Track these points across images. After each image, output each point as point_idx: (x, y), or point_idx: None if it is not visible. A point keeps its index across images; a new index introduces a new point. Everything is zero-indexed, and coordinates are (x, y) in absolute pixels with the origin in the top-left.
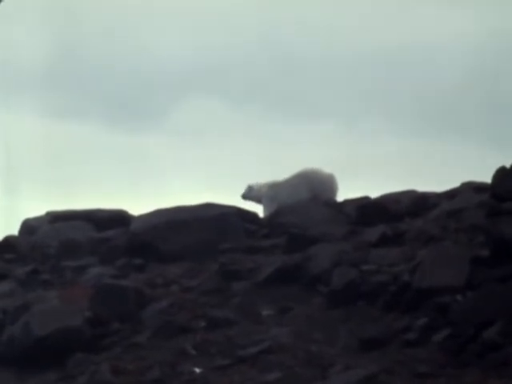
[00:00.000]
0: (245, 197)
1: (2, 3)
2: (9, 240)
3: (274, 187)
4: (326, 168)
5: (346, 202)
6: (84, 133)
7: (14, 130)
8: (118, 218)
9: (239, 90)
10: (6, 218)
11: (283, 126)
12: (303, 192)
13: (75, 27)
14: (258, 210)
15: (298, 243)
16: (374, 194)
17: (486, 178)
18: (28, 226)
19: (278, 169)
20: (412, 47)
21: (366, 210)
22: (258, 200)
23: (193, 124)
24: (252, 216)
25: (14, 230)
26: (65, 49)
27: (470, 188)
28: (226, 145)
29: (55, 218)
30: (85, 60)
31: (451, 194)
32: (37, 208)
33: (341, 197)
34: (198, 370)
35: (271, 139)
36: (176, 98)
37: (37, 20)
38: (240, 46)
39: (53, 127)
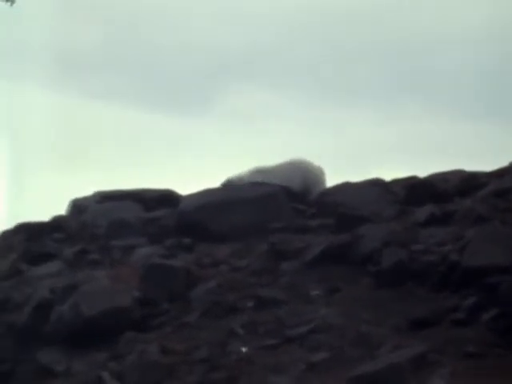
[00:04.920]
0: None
1: None
2: (58, 220)
3: (262, 172)
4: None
5: (395, 182)
6: (130, 116)
7: (59, 112)
8: (167, 198)
9: (283, 76)
10: (54, 198)
11: (327, 110)
12: (296, 180)
13: (125, 11)
14: None
15: (347, 223)
16: (422, 173)
17: None
18: (76, 206)
19: (324, 151)
20: (455, 31)
21: (415, 190)
22: None
23: (238, 108)
24: (300, 196)
25: (62, 210)
26: (117, 33)
27: None
28: (270, 128)
29: (103, 197)
30: (133, 45)
31: (500, 174)
32: (85, 188)
33: (389, 177)
34: (246, 350)
35: (315, 123)
36: (221, 83)
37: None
38: (284, 33)
39: (103, 110)
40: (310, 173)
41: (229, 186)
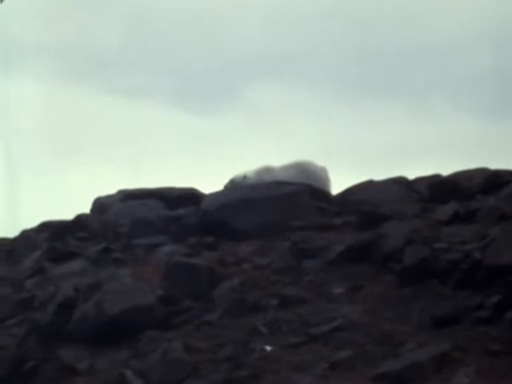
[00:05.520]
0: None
1: None
2: (81, 218)
3: (268, 172)
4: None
5: (418, 180)
6: (154, 112)
7: (81, 108)
8: (190, 196)
9: (309, 74)
10: (77, 197)
11: (354, 108)
12: (300, 181)
13: (151, 7)
14: None
15: (370, 221)
16: (446, 171)
17: None
18: (100, 205)
19: (347, 149)
20: (482, 30)
21: (438, 188)
22: None
23: (263, 106)
24: (323, 194)
25: (86, 209)
26: (140, 29)
27: None
28: (293, 126)
29: (127, 196)
30: (159, 40)
31: None
32: (108, 186)
33: (412, 175)
34: (269, 348)
35: (341, 122)
36: (246, 80)
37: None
38: (306, 32)
39: (125, 106)
40: (314, 174)
41: (235, 185)
